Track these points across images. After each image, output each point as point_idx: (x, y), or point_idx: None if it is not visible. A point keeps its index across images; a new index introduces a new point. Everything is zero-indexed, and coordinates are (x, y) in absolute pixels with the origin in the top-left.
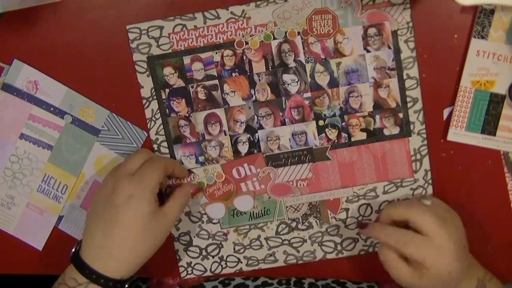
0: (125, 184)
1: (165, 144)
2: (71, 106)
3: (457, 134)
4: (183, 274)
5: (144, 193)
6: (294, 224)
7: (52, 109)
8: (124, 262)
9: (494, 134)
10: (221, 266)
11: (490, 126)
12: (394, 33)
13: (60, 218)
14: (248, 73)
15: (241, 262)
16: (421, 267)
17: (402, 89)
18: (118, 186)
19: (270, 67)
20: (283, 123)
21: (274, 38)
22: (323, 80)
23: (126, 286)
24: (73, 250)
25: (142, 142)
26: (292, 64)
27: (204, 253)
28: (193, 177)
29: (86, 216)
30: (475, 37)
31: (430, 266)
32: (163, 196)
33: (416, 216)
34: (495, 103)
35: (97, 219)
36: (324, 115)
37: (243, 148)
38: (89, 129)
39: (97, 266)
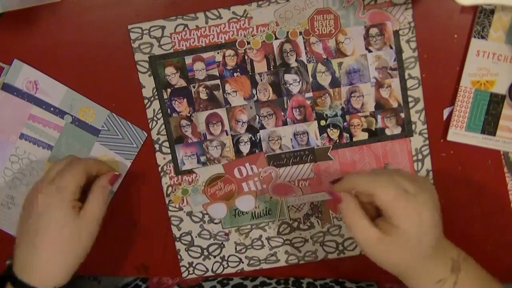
0: (43, 193)
1: (166, 144)
2: (71, 106)
3: (457, 134)
4: (184, 274)
5: (61, 200)
6: (295, 224)
7: (52, 109)
8: (51, 271)
9: (494, 134)
10: (223, 266)
11: (490, 126)
12: (396, 33)
13: None
14: (250, 73)
15: (243, 262)
16: (390, 228)
17: (404, 89)
18: (37, 195)
19: (271, 67)
20: (285, 123)
21: (276, 38)
22: (324, 80)
23: None
24: (7, 263)
25: (142, 142)
26: (293, 64)
27: (205, 253)
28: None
29: (19, 225)
30: (475, 37)
31: (399, 223)
32: None
33: (377, 188)
34: (495, 103)
35: (21, 230)
36: (326, 115)
37: (245, 148)
38: (89, 129)
39: (27, 278)
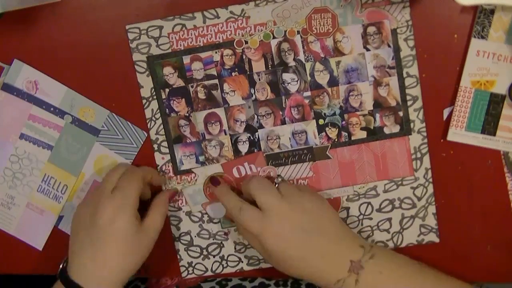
0: (106, 204)
1: (165, 144)
2: (71, 106)
3: (457, 134)
4: (184, 274)
5: (125, 210)
6: None
7: (52, 109)
8: (110, 280)
9: (494, 134)
10: (222, 265)
11: (490, 126)
12: (394, 32)
13: (60, 218)
14: (248, 72)
15: (242, 262)
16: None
17: (402, 87)
18: (99, 207)
19: (269, 66)
20: (283, 122)
21: (274, 37)
22: (323, 79)
23: None
24: (61, 266)
25: (142, 142)
26: (291, 63)
27: (205, 252)
28: (168, 183)
29: (71, 234)
30: (475, 37)
31: (264, 242)
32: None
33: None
34: (495, 103)
35: (82, 239)
36: (324, 114)
37: (244, 148)
38: (89, 129)
39: (84, 284)
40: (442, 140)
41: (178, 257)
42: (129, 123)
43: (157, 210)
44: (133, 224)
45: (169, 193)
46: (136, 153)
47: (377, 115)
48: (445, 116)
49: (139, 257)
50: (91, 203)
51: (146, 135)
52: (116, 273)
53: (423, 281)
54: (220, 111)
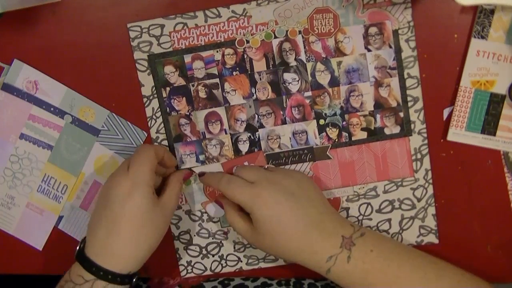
0: (121, 181)
1: (165, 142)
2: (71, 106)
3: (457, 134)
4: (183, 273)
5: (141, 186)
6: None
7: (52, 109)
8: (129, 257)
9: (494, 134)
10: (221, 265)
11: (490, 126)
12: (395, 32)
13: (60, 218)
14: (249, 72)
15: (241, 261)
16: (251, 217)
17: (403, 88)
18: (115, 183)
19: (271, 65)
20: (284, 122)
21: (275, 37)
22: (324, 79)
23: (134, 280)
24: (78, 247)
25: (142, 142)
26: (293, 63)
27: (204, 251)
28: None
29: (92, 213)
30: (475, 37)
31: (251, 212)
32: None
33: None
34: (495, 103)
35: (99, 217)
36: (325, 114)
37: (244, 147)
38: (89, 129)
39: (103, 262)
40: (442, 140)
41: (177, 256)
42: (129, 123)
43: (173, 188)
44: (150, 198)
45: (184, 172)
46: None
47: (378, 116)
48: (445, 116)
49: (156, 233)
50: (110, 182)
51: (146, 135)
52: (134, 249)
53: (413, 257)
54: (220, 110)
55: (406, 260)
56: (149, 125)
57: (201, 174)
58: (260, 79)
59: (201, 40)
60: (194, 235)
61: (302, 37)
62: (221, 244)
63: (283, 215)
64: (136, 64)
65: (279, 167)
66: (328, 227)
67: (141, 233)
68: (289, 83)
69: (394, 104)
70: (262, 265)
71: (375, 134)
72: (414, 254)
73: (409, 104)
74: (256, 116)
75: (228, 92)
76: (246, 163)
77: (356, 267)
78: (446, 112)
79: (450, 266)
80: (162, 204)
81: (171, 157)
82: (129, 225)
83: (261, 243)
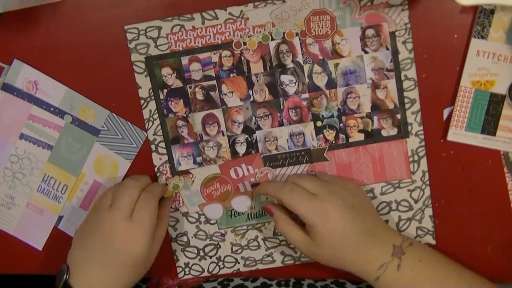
0: (125, 229)
1: (162, 144)
2: (71, 106)
3: (457, 134)
4: (180, 275)
5: (145, 238)
6: None
7: (52, 109)
8: None
9: (494, 134)
10: (219, 266)
11: (490, 126)
12: (392, 34)
13: (60, 218)
14: (246, 74)
15: (239, 263)
16: (311, 230)
17: (400, 90)
18: (117, 231)
19: (268, 67)
20: (281, 124)
21: (272, 39)
22: (321, 81)
23: None
24: (64, 277)
25: (142, 142)
26: (290, 65)
27: (201, 253)
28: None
29: (74, 245)
30: (475, 37)
31: (311, 224)
32: None
33: (283, 196)
34: (495, 103)
35: (92, 254)
36: (322, 116)
37: (241, 149)
38: (89, 129)
39: None
40: (442, 140)
41: (175, 257)
42: (129, 123)
43: (164, 223)
44: (149, 246)
45: (170, 203)
46: (136, 153)
47: (375, 118)
48: (445, 116)
49: (146, 268)
50: (106, 224)
51: (146, 135)
52: (119, 284)
53: (459, 270)
54: (218, 112)
55: (452, 272)
56: (146, 127)
57: (255, 185)
58: (257, 81)
59: (198, 42)
60: (192, 237)
61: (299, 39)
62: (218, 246)
63: (346, 228)
64: (134, 66)
65: (331, 175)
66: (380, 235)
67: (133, 275)
68: (286, 85)
69: (391, 106)
70: (260, 266)
71: (372, 136)
72: (460, 267)
73: (406, 106)
74: (253, 118)
75: (225, 94)
76: (243, 165)
77: (405, 275)
78: (446, 112)
79: (496, 285)
80: (155, 240)
81: (167, 191)
82: (125, 269)
83: (318, 254)
